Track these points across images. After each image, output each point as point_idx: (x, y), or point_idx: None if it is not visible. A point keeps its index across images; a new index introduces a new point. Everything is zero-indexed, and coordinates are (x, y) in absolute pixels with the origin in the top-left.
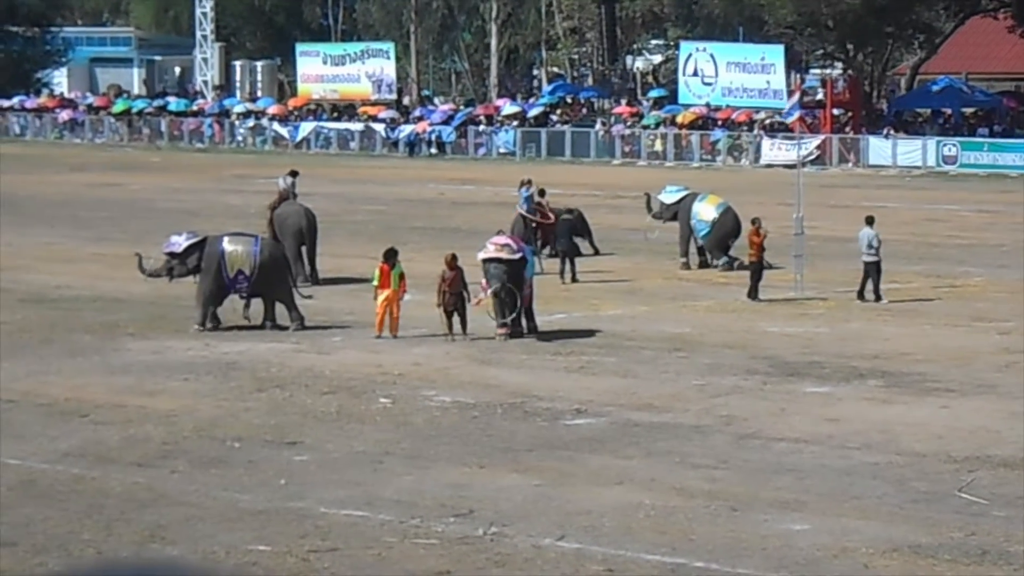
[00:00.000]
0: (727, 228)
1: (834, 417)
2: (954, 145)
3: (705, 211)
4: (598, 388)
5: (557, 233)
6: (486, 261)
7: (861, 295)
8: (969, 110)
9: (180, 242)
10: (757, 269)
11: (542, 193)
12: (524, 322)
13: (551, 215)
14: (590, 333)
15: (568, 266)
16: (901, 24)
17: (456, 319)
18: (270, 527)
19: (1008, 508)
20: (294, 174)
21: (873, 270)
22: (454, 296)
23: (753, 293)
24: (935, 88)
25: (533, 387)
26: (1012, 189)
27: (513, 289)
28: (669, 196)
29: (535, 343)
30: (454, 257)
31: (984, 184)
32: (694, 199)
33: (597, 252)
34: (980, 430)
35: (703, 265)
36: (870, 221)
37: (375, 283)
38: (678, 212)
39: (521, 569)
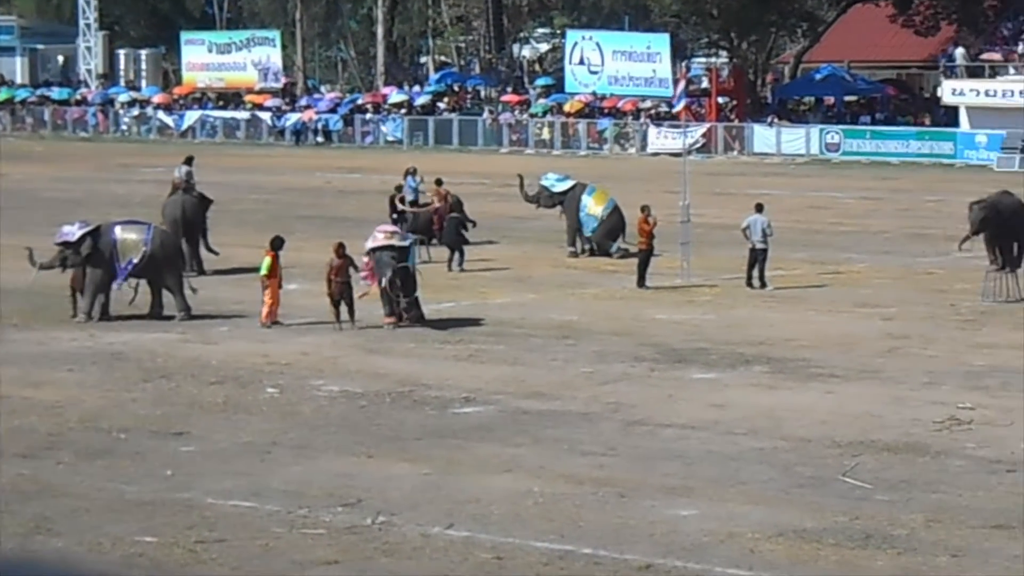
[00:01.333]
0: (613, 225)
1: (721, 403)
2: (837, 133)
3: (594, 207)
4: (487, 376)
5: (444, 229)
6: (376, 250)
7: (749, 282)
8: (852, 98)
9: (73, 231)
10: (646, 257)
11: (438, 182)
12: (412, 310)
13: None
14: (478, 321)
15: (456, 255)
16: (784, 13)
17: (344, 308)
18: (157, 518)
19: (891, 492)
20: (189, 162)
21: (760, 257)
22: (341, 285)
23: (641, 281)
24: (818, 76)
25: (421, 376)
26: (894, 176)
27: (408, 267)
28: (556, 184)
29: (423, 332)
30: (341, 245)
31: (866, 171)
32: (583, 191)
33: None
34: (864, 415)
35: (592, 254)
36: (760, 208)
37: (264, 272)
38: (564, 202)
39: (410, 558)
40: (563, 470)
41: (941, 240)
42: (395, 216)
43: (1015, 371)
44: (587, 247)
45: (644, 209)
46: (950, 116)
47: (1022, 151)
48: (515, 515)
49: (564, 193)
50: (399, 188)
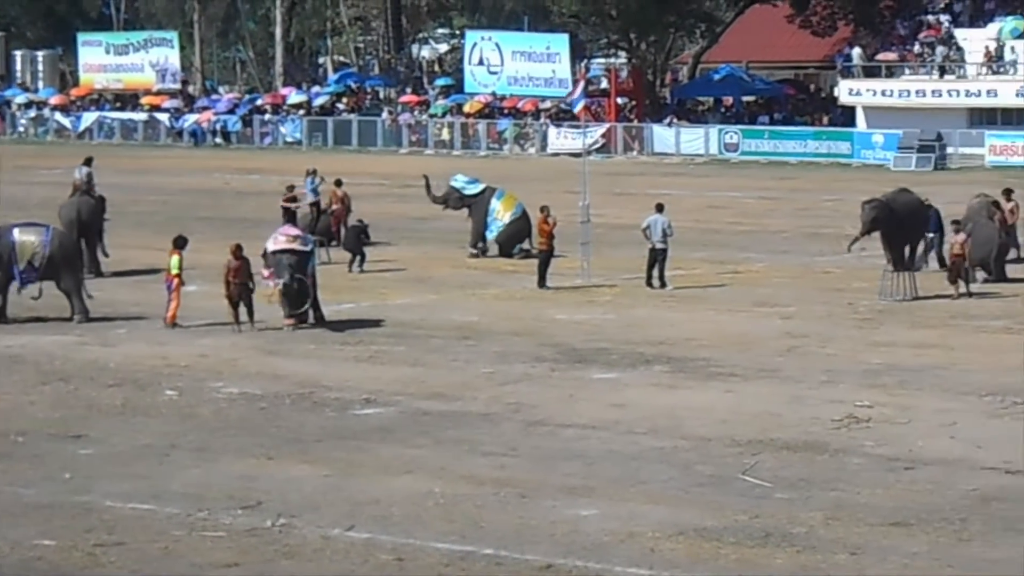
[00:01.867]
0: (518, 229)
1: (621, 403)
2: (735, 133)
3: (502, 212)
4: (387, 377)
5: (345, 234)
6: (277, 252)
7: (649, 282)
8: (750, 98)
9: None
10: (546, 258)
11: (338, 183)
12: (312, 312)
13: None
14: (379, 323)
15: (357, 258)
16: (683, 13)
17: (243, 309)
18: (55, 521)
19: (790, 490)
20: (88, 163)
21: (660, 257)
22: (240, 286)
23: (542, 281)
24: (717, 77)
25: (322, 377)
26: (792, 176)
27: (304, 279)
28: (467, 187)
29: (323, 333)
30: (239, 247)
31: (765, 171)
32: (492, 195)
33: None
34: (763, 414)
35: (485, 254)
36: (660, 208)
37: (176, 271)
38: (473, 205)
39: (310, 560)
40: (464, 471)
41: (839, 239)
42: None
43: (912, 369)
44: (484, 248)
45: (544, 209)
46: (847, 116)
47: (918, 151)
48: (416, 516)
49: (474, 196)
50: (290, 188)
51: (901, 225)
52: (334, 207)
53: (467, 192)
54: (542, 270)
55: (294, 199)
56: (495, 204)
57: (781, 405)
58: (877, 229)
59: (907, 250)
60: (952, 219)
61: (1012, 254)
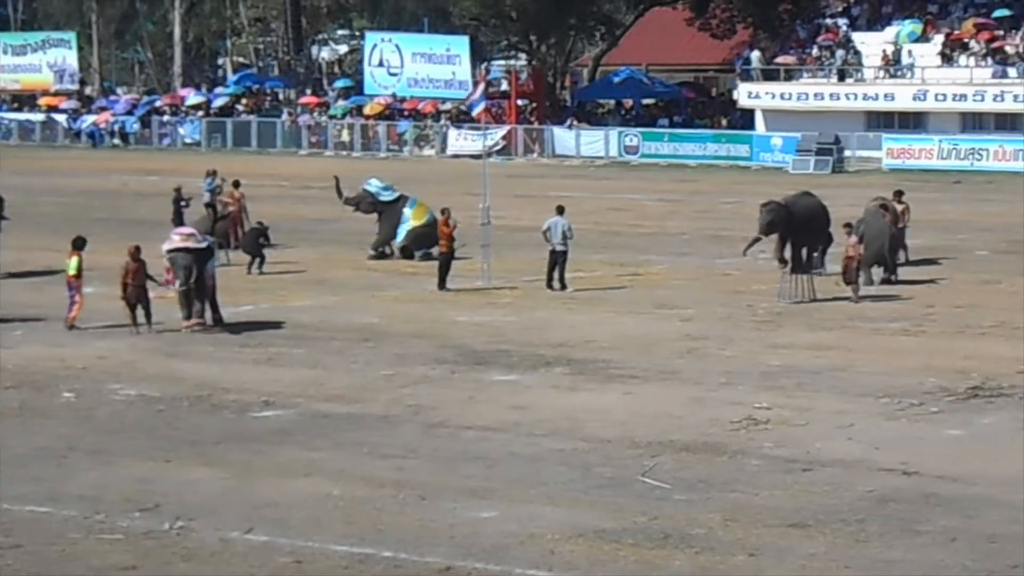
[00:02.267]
0: (426, 233)
1: (521, 405)
2: (635, 135)
3: (413, 221)
4: (286, 380)
5: (244, 237)
6: (172, 251)
7: (549, 284)
8: (650, 101)
9: None
10: (447, 260)
11: (236, 184)
12: (210, 314)
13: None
14: (278, 324)
15: (256, 260)
16: (583, 16)
17: (140, 311)
18: None
19: (690, 492)
20: None
21: (560, 259)
22: (137, 288)
23: (442, 283)
24: (617, 79)
25: (220, 379)
26: (692, 179)
27: (201, 278)
28: (383, 193)
29: (222, 335)
30: (137, 249)
31: (665, 174)
32: (405, 203)
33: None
34: (663, 415)
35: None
36: (561, 211)
37: (74, 272)
38: (385, 212)
39: (208, 563)
40: (363, 473)
41: (738, 242)
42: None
43: (810, 371)
44: (388, 252)
45: (444, 212)
46: (746, 119)
47: (817, 154)
48: (315, 519)
49: (388, 203)
50: (178, 189)
51: (799, 228)
52: (230, 209)
53: (381, 198)
54: (442, 272)
55: (183, 200)
56: (407, 212)
57: (681, 407)
58: (773, 232)
59: (803, 252)
60: (844, 222)
61: (900, 257)
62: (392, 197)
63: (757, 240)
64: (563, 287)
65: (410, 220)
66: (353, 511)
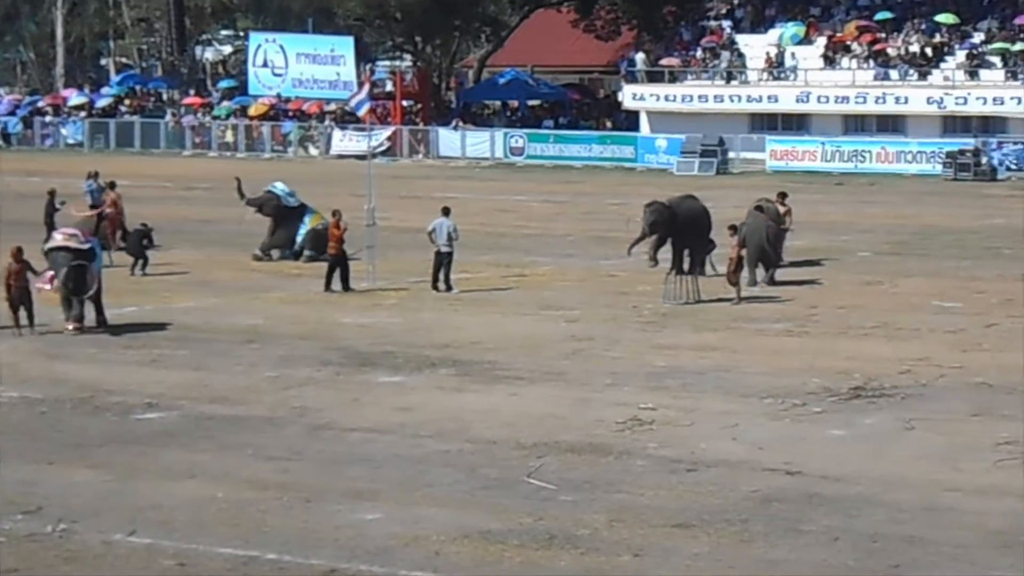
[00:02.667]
0: (320, 236)
1: (407, 406)
2: (521, 137)
3: (311, 224)
4: (170, 381)
5: (128, 239)
6: (53, 250)
7: (435, 285)
8: (535, 102)
9: None
10: (337, 262)
11: (112, 186)
12: (94, 315)
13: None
14: (162, 326)
15: (140, 261)
16: (468, 17)
17: (23, 313)
18: None
19: (575, 493)
20: None
21: (446, 260)
22: (20, 289)
23: (328, 286)
24: (502, 81)
25: (103, 381)
26: (577, 180)
27: (83, 270)
28: (288, 199)
29: (105, 337)
30: (19, 250)
31: (550, 175)
32: (304, 211)
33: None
34: (548, 416)
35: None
36: (446, 212)
37: None
38: (286, 217)
39: (91, 565)
40: (247, 475)
41: (623, 243)
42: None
43: (695, 372)
44: (278, 256)
45: (335, 214)
46: (631, 120)
47: (701, 155)
48: (199, 521)
49: (292, 209)
50: (52, 192)
51: (682, 230)
52: (107, 211)
53: (287, 204)
54: (330, 275)
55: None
56: (307, 219)
57: (566, 408)
58: (657, 232)
59: (687, 255)
60: (729, 224)
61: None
62: (295, 204)
63: (641, 239)
64: (448, 288)
65: (308, 224)
66: (237, 513)
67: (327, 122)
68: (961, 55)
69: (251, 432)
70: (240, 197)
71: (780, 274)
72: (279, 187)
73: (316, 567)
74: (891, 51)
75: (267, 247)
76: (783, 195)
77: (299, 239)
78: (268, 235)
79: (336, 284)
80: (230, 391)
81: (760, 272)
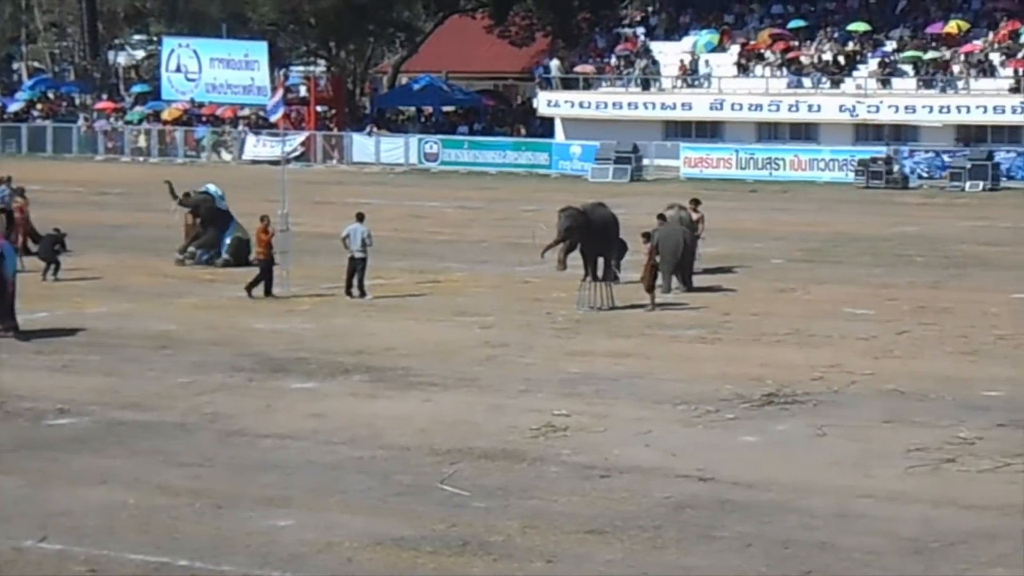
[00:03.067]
0: (248, 245)
1: (320, 412)
2: (435, 143)
3: (237, 231)
4: (82, 387)
5: (40, 244)
6: None
7: (348, 291)
8: (450, 108)
9: None
10: (266, 266)
11: (20, 192)
12: (5, 320)
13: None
14: (73, 331)
15: (52, 266)
16: (382, 23)
17: None
18: None
19: (488, 499)
20: None
21: (360, 266)
22: None
23: (262, 287)
24: (416, 87)
25: (14, 387)
26: (492, 186)
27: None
28: (221, 202)
29: (16, 342)
30: None
31: (465, 181)
32: (232, 217)
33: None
34: (462, 423)
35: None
36: (360, 218)
37: None
38: (216, 219)
39: (1, 571)
40: (159, 481)
41: (538, 249)
42: None
43: (609, 378)
44: (195, 259)
45: (263, 219)
46: (546, 127)
47: (615, 162)
48: (110, 527)
49: (222, 212)
50: (20, 191)
51: (595, 236)
52: (18, 216)
53: (219, 207)
54: (262, 278)
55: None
56: (233, 227)
57: (480, 414)
58: (571, 238)
59: (599, 261)
60: (643, 231)
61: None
62: (226, 207)
63: (557, 244)
64: (362, 294)
65: (235, 231)
66: (149, 519)
67: (241, 127)
68: (873, 63)
69: (163, 438)
70: (173, 198)
71: (694, 281)
72: (212, 188)
73: (228, 574)
74: (804, 59)
75: (185, 248)
76: (696, 202)
77: (227, 243)
78: (187, 236)
79: (258, 290)
80: (142, 397)
81: (674, 280)
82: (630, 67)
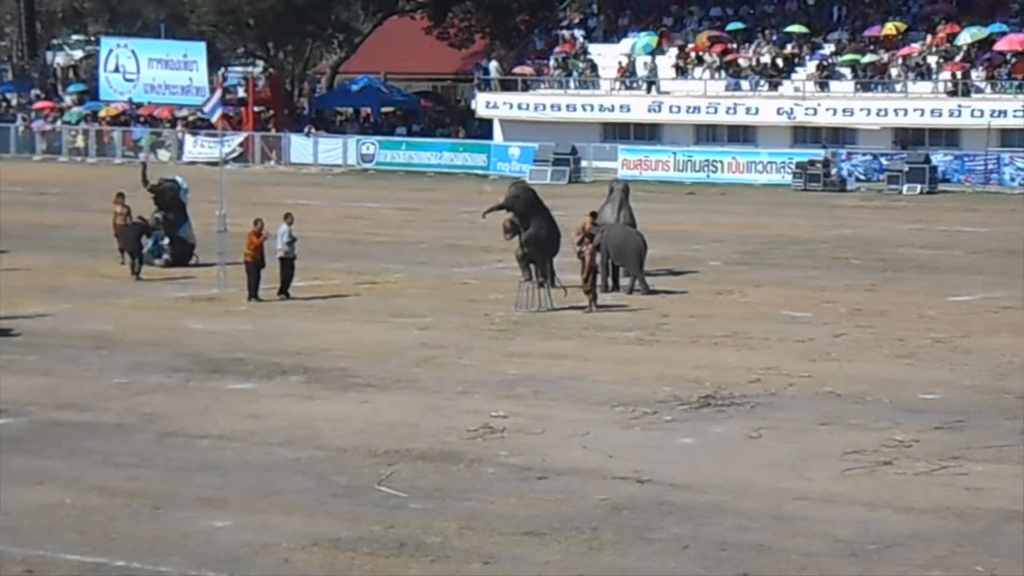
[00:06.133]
0: (179, 248)
1: (257, 413)
2: (373, 144)
3: (189, 229)
4: (19, 387)
5: None
6: None
7: (283, 292)
8: (388, 109)
9: None
10: (255, 268)
11: None
12: None
13: None
14: (9, 332)
15: None
16: (320, 23)
17: None
18: None
19: (426, 500)
20: None
21: (284, 266)
22: None
23: (252, 291)
24: (355, 87)
25: None
26: (429, 187)
27: None
28: (184, 194)
29: None
30: None
31: (403, 182)
32: (187, 217)
33: None
34: (399, 424)
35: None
36: (287, 218)
37: None
38: (175, 208)
39: None
40: (96, 482)
41: (476, 251)
42: None
43: (547, 380)
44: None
45: (257, 222)
46: (484, 128)
47: (554, 164)
48: (47, 528)
49: (182, 205)
50: None
51: (539, 219)
52: None
53: (182, 198)
54: (252, 279)
55: None
56: (186, 225)
57: (417, 415)
58: (514, 209)
59: (547, 264)
60: (586, 231)
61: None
62: (186, 202)
63: (498, 209)
64: (282, 295)
65: (185, 231)
66: (85, 520)
67: (179, 128)
68: (811, 66)
69: (100, 438)
70: (144, 183)
71: (627, 283)
72: (180, 180)
73: (165, 574)
74: (742, 62)
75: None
76: (595, 214)
77: (178, 235)
78: (119, 237)
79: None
80: (79, 397)
81: (626, 281)
82: (568, 70)
